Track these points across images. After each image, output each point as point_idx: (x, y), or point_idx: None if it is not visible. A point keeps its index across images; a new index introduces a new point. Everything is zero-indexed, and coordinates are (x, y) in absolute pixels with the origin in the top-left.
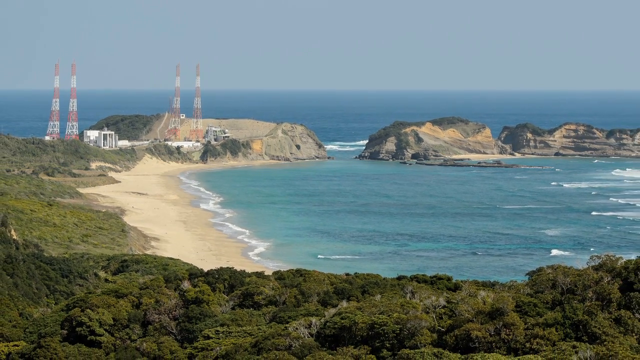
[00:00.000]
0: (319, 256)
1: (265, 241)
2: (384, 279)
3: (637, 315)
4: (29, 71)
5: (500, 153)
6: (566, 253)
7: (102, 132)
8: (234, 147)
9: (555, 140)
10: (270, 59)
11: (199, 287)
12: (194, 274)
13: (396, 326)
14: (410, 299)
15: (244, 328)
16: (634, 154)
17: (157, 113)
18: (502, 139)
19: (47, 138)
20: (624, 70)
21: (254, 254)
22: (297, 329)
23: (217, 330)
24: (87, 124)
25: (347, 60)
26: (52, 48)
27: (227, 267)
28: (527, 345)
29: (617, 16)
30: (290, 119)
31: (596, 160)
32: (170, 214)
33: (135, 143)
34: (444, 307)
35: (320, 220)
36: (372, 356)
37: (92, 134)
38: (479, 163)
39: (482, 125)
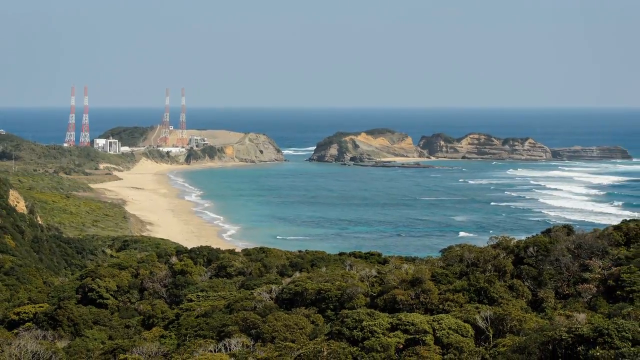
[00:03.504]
0: (277, 237)
1: (236, 225)
2: (328, 255)
3: (526, 283)
4: (50, 92)
5: (419, 156)
6: (471, 234)
7: (108, 140)
8: (211, 152)
9: (462, 147)
10: (238, 82)
11: (184, 261)
12: (180, 251)
13: (338, 292)
14: (349, 270)
15: (219, 293)
16: (523, 158)
17: (151, 125)
18: (421, 145)
19: (65, 145)
20: (518, 91)
21: (227, 235)
22: (260, 294)
23: (198, 295)
24: (96, 133)
25: (299, 83)
26: (68, 74)
27: (206, 246)
28: (440, 306)
29: (511, 46)
30: (255, 130)
31: (494, 162)
32: (161, 204)
33: (134, 149)
34: (375, 276)
35: (278, 209)
36: (319, 315)
37: (101, 142)
38: (402, 164)
39: (405, 135)
